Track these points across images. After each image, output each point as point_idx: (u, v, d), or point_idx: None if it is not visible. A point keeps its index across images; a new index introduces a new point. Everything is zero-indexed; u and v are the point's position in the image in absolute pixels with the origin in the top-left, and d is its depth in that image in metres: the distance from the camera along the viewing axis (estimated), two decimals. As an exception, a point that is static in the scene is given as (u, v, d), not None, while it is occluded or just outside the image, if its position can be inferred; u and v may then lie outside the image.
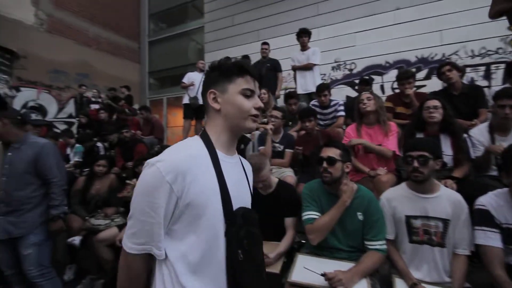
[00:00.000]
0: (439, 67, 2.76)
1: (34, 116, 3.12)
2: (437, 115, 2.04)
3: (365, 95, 2.34)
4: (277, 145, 2.90)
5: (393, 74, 5.26)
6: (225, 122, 0.79)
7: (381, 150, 2.20)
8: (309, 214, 1.67)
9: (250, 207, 0.85)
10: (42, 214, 1.94)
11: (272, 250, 1.70)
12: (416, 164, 1.48)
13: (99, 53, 7.87)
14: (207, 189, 0.70)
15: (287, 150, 2.85)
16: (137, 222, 0.68)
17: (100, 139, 4.20)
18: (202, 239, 0.70)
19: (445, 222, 1.48)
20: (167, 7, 8.99)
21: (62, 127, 6.76)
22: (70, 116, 7.04)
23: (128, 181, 2.82)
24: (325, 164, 1.62)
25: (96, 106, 6.07)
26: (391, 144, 2.21)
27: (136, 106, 6.32)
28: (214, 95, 0.79)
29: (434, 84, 4.70)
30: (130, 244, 0.69)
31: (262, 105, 0.81)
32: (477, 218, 1.44)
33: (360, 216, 1.60)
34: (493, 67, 4.43)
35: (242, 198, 0.80)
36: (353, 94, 5.60)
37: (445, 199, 1.50)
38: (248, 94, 0.78)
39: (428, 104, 2.08)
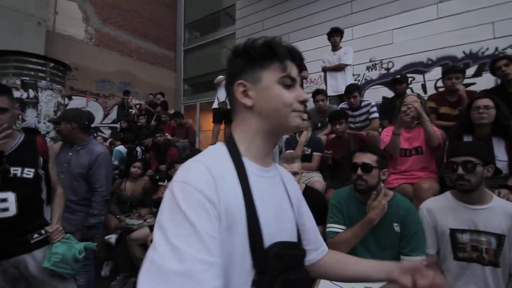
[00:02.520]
0: (493, 61, 2.44)
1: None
2: (488, 116, 1.80)
3: (412, 97, 2.15)
4: (304, 148, 2.80)
5: (436, 72, 4.85)
6: (261, 122, 0.61)
7: (430, 131, 1.99)
8: (332, 227, 1.57)
9: (294, 235, 0.63)
10: (85, 217, 2.03)
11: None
12: (461, 171, 1.30)
13: (139, 63, 8.47)
14: (234, 217, 0.51)
15: (314, 153, 2.74)
16: None
17: (138, 143, 4.48)
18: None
19: (499, 237, 1.27)
20: (201, 16, 9.38)
21: (107, 132, 7.38)
22: (113, 122, 7.66)
23: (160, 183, 2.95)
24: (359, 172, 1.47)
25: (132, 111, 6.56)
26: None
27: (171, 111, 6.66)
28: (244, 88, 0.61)
29: (485, 82, 4.22)
30: None
31: (306, 97, 0.62)
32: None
33: (397, 227, 1.44)
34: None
35: (282, 226, 0.59)
36: (390, 94, 5.29)
37: (499, 211, 1.30)
38: (288, 83, 0.60)
39: (477, 103, 1.84)
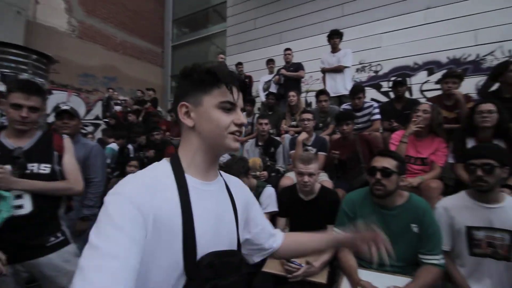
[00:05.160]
0: (501, 66, 2.47)
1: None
2: (491, 120, 1.92)
3: (424, 106, 2.23)
4: (309, 148, 2.84)
5: (422, 76, 5.10)
6: (200, 141, 0.66)
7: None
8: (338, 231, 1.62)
9: (235, 244, 0.70)
10: (77, 211, 1.94)
11: (315, 258, 1.64)
12: (480, 172, 1.37)
13: (125, 58, 8.14)
14: (167, 227, 0.56)
15: (320, 153, 2.78)
16: None
17: (130, 140, 4.30)
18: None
19: (513, 234, 1.37)
20: (190, 12, 9.18)
21: (89, 128, 7.02)
22: (96, 118, 7.31)
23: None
24: (378, 176, 1.46)
25: (119, 108, 6.29)
26: (440, 160, 2.14)
27: (159, 109, 6.46)
28: (186, 109, 0.66)
29: (466, 86, 4.48)
30: None
31: (244, 120, 0.67)
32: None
33: (415, 228, 1.47)
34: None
35: (220, 236, 0.65)
36: (378, 96, 5.45)
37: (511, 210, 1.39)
38: (227, 107, 0.65)
39: (481, 108, 1.96)
